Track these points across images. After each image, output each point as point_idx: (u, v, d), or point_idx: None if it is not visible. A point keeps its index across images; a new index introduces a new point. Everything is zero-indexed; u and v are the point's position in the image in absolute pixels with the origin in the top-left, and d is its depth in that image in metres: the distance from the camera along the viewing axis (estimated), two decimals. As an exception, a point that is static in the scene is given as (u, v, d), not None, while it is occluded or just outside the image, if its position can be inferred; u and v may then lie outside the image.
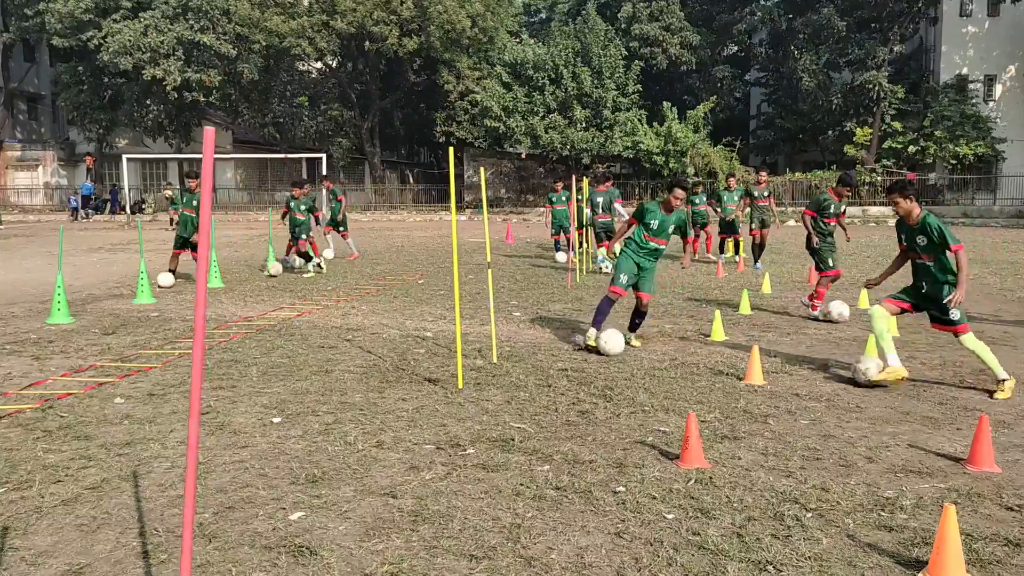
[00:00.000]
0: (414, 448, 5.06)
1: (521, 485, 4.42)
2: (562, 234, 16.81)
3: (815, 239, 9.89)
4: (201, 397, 6.04)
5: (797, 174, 39.05)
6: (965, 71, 39.02)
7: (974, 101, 38.34)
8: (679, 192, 7.81)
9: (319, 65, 45.93)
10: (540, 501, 4.20)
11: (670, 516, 4.01)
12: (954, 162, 37.00)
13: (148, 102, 38.80)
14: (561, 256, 16.73)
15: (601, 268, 14.93)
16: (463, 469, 4.68)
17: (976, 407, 5.89)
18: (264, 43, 37.28)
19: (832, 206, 9.91)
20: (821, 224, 9.93)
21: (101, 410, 5.88)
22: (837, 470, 4.65)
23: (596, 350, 7.76)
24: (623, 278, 7.95)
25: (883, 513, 4.02)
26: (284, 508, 4.13)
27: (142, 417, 5.71)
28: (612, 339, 7.70)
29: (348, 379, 6.85)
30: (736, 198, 16.10)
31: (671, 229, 8.01)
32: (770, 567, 3.46)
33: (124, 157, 33.60)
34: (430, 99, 46.96)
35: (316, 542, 3.72)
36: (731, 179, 17.18)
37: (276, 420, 5.64)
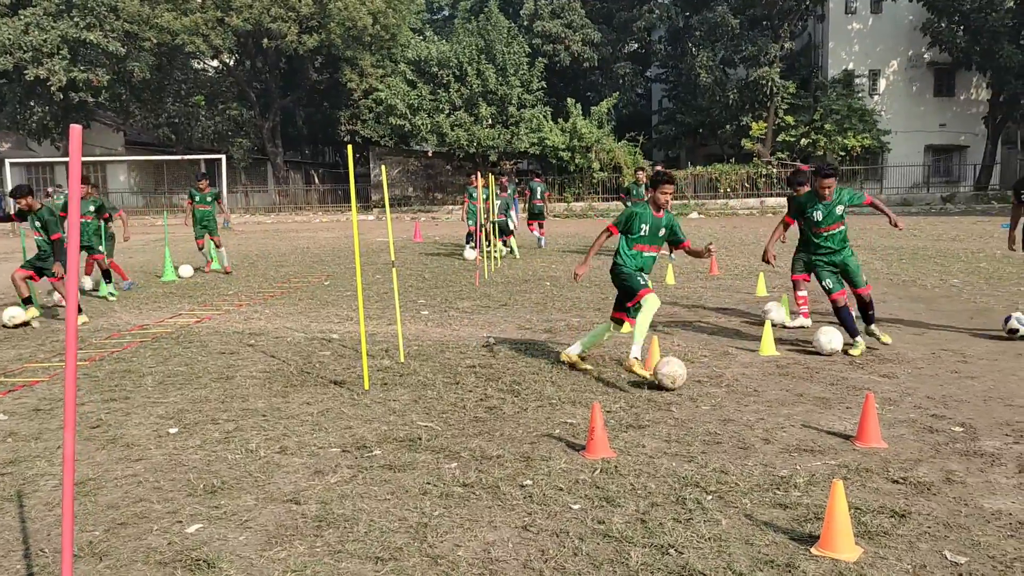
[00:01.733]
0: (319, 452, 4.96)
1: (428, 484, 4.39)
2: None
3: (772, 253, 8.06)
4: (91, 411, 5.78)
5: (699, 168, 40.13)
6: (851, 66, 40.88)
7: (860, 95, 40.23)
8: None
9: (215, 63, 44.52)
10: (447, 499, 4.18)
11: (576, 507, 4.05)
12: (843, 154, 38.72)
13: (32, 103, 36.76)
14: (470, 253, 16.70)
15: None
16: (369, 471, 4.61)
17: (865, 386, 6.17)
18: (155, 40, 35.86)
19: (820, 211, 7.51)
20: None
21: (-19, 429, 5.53)
22: (736, 452, 4.79)
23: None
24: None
25: (778, 492, 4.16)
26: (180, 521, 3.97)
27: (27, 434, 5.41)
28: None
29: (250, 385, 6.66)
30: (644, 191, 16.43)
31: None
32: (672, 550, 3.54)
33: (7, 161, 31.75)
34: (333, 97, 46.16)
35: (214, 554, 3.59)
36: (640, 173, 17.54)
37: (173, 431, 5.43)
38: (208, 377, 6.95)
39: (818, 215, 7.49)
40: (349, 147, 6.53)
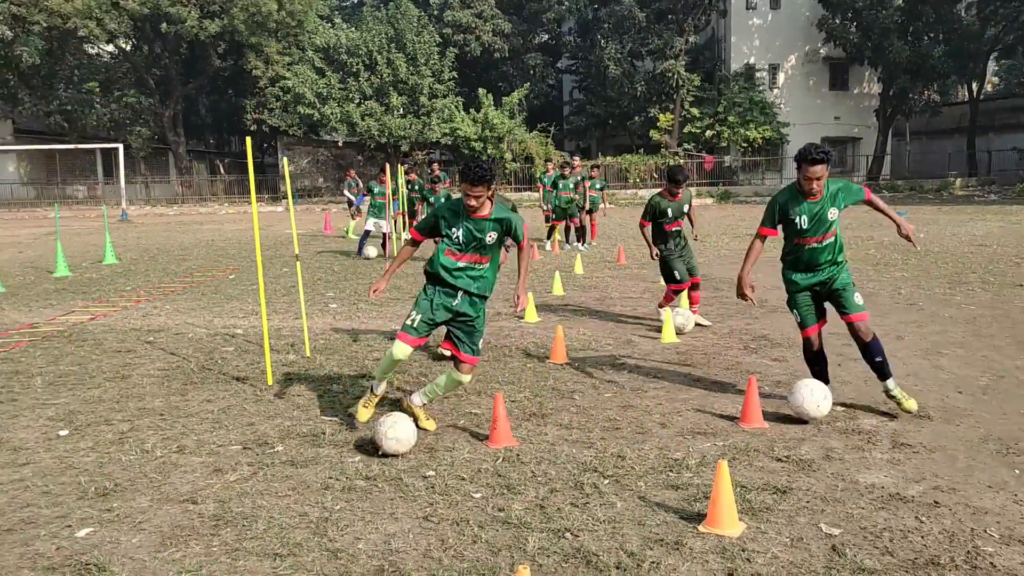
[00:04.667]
0: (219, 450, 4.88)
1: (331, 478, 4.38)
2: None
3: (654, 251, 8.45)
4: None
5: (608, 158, 40.79)
6: (752, 60, 42.21)
7: (761, 88, 41.60)
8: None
9: (111, 48, 42.62)
10: (349, 493, 4.19)
11: (477, 495, 4.12)
12: (745, 145, 40.01)
13: (-92, 88, 34.49)
14: (372, 251, 15.73)
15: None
16: (271, 467, 4.57)
17: (755, 370, 6.44)
18: (45, 24, 34.09)
19: (669, 209, 8.27)
20: (663, 230, 8.35)
21: None
22: (634, 437, 4.95)
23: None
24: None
25: (671, 473, 4.33)
26: (70, 525, 3.86)
27: (-98, 441, 5.13)
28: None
29: (147, 384, 6.48)
30: (572, 185, 16.46)
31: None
32: (568, 534, 3.65)
33: None
34: (238, 85, 44.90)
35: (105, 558, 3.51)
36: (549, 164, 17.69)
37: (63, 433, 5.24)
38: (102, 376, 6.72)
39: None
40: (248, 139, 6.40)
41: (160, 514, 3.97)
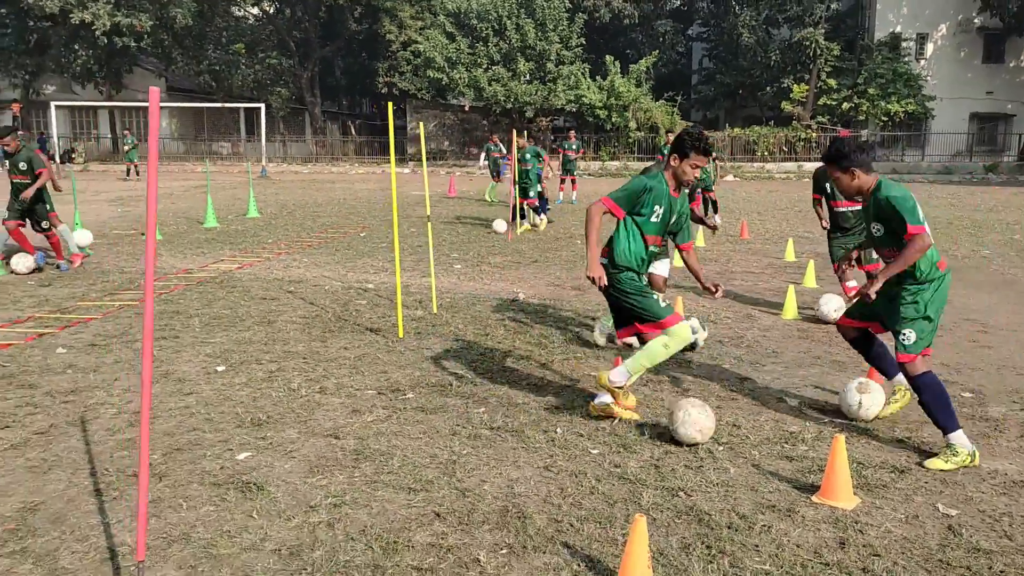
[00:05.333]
0: (356, 393, 5.29)
1: (457, 426, 4.70)
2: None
3: (824, 222, 7.68)
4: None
5: (736, 129, 39.69)
6: (899, 29, 39.87)
7: (906, 59, 39.30)
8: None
9: (255, 11, 44.62)
10: (475, 440, 4.49)
11: (595, 451, 4.34)
12: (885, 119, 38.02)
13: (76, 47, 37.26)
14: (500, 225, 14.36)
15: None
16: (403, 412, 4.93)
17: (881, 351, 6.33)
18: (198, -14, 36.07)
19: (828, 184, 7.29)
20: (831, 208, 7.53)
21: (44, 359, 5.95)
22: (750, 408, 5.03)
23: None
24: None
25: (786, 445, 4.41)
26: (231, 449, 4.33)
27: (85, 366, 5.81)
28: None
29: (290, 329, 7.01)
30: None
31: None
32: (681, 493, 3.82)
33: (52, 104, 32.39)
34: (372, 48, 46.13)
35: (262, 479, 3.94)
36: (670, 135, 17.48)
37: (220, 368, 5.80)
38: (251, 320, 7.31)
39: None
40: (389, 104, 6.76)
41: (307, 445, 4.39)
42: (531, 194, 14.78)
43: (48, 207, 9.96)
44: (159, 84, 42.12)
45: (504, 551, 3.29)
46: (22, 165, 9.67)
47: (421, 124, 8.29)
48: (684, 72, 50.15)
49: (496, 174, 21.12)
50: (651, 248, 4.76)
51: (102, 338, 6.60)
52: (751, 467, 4.12)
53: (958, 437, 4.12)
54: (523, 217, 14.79)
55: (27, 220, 9.85)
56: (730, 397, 5.26)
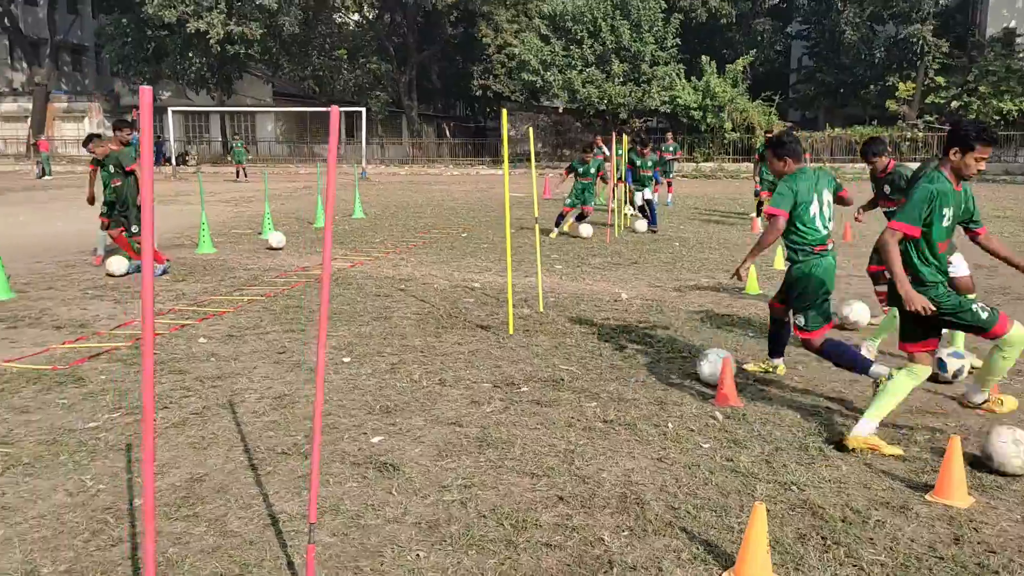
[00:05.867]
0: (473, 386, 5.60)
1: (572, 418, 4.95)
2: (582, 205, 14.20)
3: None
4: (275, 339, 6.65)
5: (837, 129, 38.63)
6: (1013, 24, 38.04)
7: (1021, 55, 37.47)
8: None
9: (356, 18, 45.99)
10: (590, 432, 4.73)
11: (706, 445, 4.51)
12: (997, 118, 36.34)
13: (191, 55, 39.34)
14: (586, 229, 14.09)
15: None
16: (519, 404, 5.21)
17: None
18: (305, -5, 37.56)
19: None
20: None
21: (188, 348, 6.50)
22: (860, 410, 5.09)
23: None
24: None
25: (899, 446, 4.48)
26: (365, 433, 4.70)
27: (226, 355, 6.32)
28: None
29: (406, 324, 7.41)
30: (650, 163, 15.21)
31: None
32: (794, 487, 3.96)
33: (170, 110, 34.29)
34: (467, 52, 46.96)
35: (397, 460, 4.29)
36: (768, 135, 17.18)
37: (346, 360, 6.21)
38: (368, 316, 7.75)
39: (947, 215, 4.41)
40: (503, 112, 7.07)
41: (433, 432, 4.72)
42: (590, 203, 14.12)
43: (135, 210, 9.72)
44: (266, 90, 43.97)
45: (626, 533, 3.52)
46: (112, 168, 9.65)
47: (531, 130, 8.59)
48: (782, 71, 49.08)
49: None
50: (943, 253, 4.47)
51: (237, 330, 7.14)
52: (863, 465, 4.22)
53: (876, 370, 4.84)
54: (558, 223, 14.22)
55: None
56: (840, 398, 5.34)
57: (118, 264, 9.76)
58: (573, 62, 38.34)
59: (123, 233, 9.81)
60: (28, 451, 4.37)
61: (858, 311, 7.45)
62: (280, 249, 12.18)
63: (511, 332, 7.07)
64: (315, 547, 3.04)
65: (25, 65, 47.13)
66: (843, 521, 3.61)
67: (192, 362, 6.11)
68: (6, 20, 44.70)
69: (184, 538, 3.45)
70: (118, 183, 9.72)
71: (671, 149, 20.89)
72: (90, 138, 10.01)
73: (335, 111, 2.74)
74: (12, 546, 3.37)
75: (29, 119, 44.62)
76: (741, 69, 37.69)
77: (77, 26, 48.99)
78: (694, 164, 37.94)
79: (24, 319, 7.51)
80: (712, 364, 5.48)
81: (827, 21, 41.20)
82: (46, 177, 32.22)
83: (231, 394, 5.38)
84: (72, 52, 50.37)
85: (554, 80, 38.20)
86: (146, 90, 2.15)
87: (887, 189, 7.11)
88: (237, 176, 31.58)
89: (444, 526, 3.57)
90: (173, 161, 36.09)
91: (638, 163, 15.10)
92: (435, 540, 3.45)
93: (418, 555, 3.33)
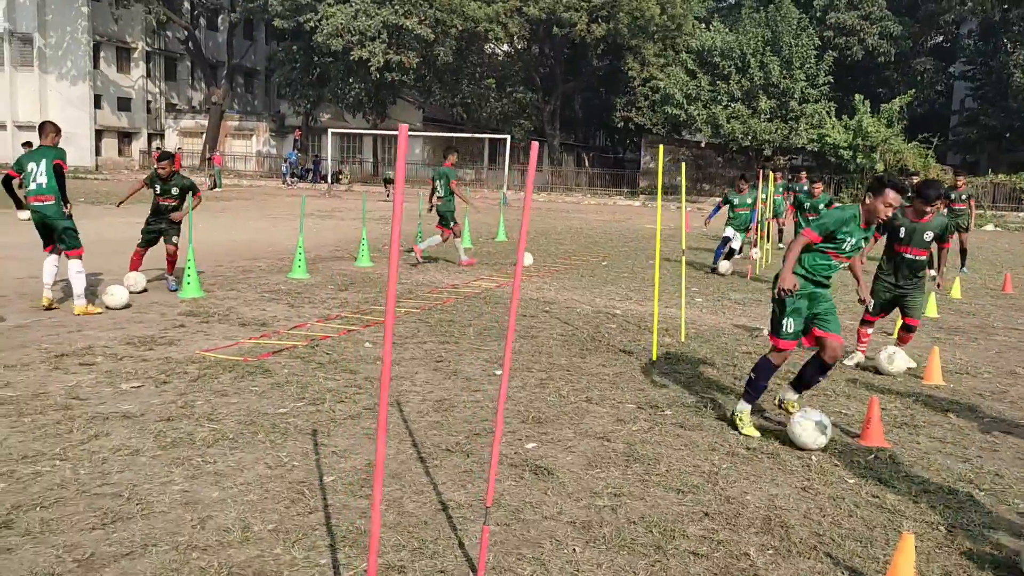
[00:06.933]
0: (619, 405, 5.88)
1: (715, 443, 5.14)
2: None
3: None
4: (432, 349, 7.16)
5: (1001, 176, 36.51)
6: None
7: None
8: (891, 195, 5.18)
9: (506, 48, 47.49)
10: (733, 457, 4.91)
11: (851, 481, 4.61)
12: None
13: (351, 80, 41.78)
14: (724, 265, 13.70)
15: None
16: (663, 426, 5.45)
17: None
18: (460, 28, 39.18)
19: (903, 228, 7.12)
20: (893, 251, 7.34)
21: (355, 351, 7.11)
22: (1015, 462, 5.04)
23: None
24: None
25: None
26: (519, 439, 5.07)
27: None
28: None
29: (552, 344, 7.78)
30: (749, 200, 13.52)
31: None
32: (941, 527, 4.02)
33: (329, 131, 36.53)
34: (611, 84, 47.49)
35: (550, 465, 4.63)
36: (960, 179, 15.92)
37: (498, 372, 6.63)
38: (516, 334, 8.17)
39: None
40: (660, 147, 7.36)
41: (582, 444, 5.03)
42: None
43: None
44: (417, 115, 46.00)
45: (771, 552, 3.70)
46: (175, 191, 9.61)
47: (684, 165, 8.83)
48: (942, 113, 46.92)
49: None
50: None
51: (397, 338, 7.72)
52: (1015, 514, 4.21)
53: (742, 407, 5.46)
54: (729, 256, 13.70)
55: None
56: (992, 448, 5.27)
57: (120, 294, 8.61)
58: (719, 97, 38.13)
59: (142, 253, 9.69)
60: (231, 428, 5.00)
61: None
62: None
63: (655, 358, 7.30)
64: (489, 528, 3.41)
65: (204, 85, 51.39)
66: (991, 563, 3.65)
67: (360, 363, 6.69)
68: (190, 44, 48.98)
69: (368, 512, 3.91)
70: (172, 203, 9.67)
71: (803, 189, 19.64)
72: (166, 156, 9.80)
73: (535, 146, 3.13)
74: (227, 506, 3.93)
75: (205, 135, 48.53)
76: (897, 109, 36.37)
77: (252, 51, 53.08)
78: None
79: (214, 315, 8.40)
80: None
81: (994, 63, 39.19)
82: (217, 189, 34.95)
83: (397, 395, 5.89)
84: (245, 75, 54.54)
85: (698, 114, 38.11)
86: (403, 127, 2.59)
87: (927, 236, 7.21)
88: (388, 195, 33.31)
89: (596, 527, 3.87)
90: (329, 179, 38.33)
91: (736, 201, 13.40)
92: (589, 538, 3.76)
93: (574, 549, 3.65)
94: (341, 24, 38.91)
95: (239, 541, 3.58)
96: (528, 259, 13.49)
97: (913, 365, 7.31)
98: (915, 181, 7.11)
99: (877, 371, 7.23)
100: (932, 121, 44.05)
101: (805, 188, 19.24)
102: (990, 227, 31.73)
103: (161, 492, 4.05)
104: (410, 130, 32.45)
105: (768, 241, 16.02)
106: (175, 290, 9.66)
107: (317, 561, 3.45)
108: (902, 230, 7.10)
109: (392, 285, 2.72)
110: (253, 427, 5.03)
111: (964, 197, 15.31)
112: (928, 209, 6.95)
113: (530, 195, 3.22)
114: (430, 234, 13.91)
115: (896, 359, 7.14)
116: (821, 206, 13.42)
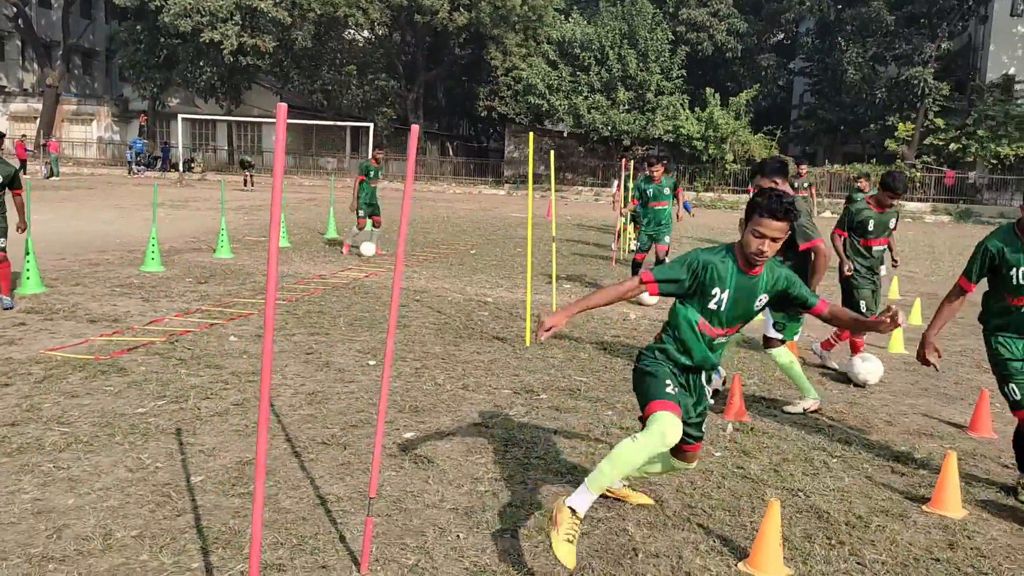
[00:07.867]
0: (495, 392, 5.91)
1: (590, 424, 5.26)
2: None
3: (847, 264, 7.15)
4: (302, 341, 6.93)
5: (836, 166, 39.24)
6: (1012, 71, 38.81)
7: (1020, 102, 38.19)
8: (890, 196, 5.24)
9: (366, 34, 46.56)
10: (608, 436, 5.03)
11: (717, 454, 4.82)
12: (995, 162, 37.00)
13: (202, 64, 39.76)
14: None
15: None
16: (539, 410, 5.52)
17: (989, 386, 6.60)
18: (319, 12, 38.05)
19: (872, 222, 7.04)
20: (858, 247, 7.14)
21: (220, 345, 6.79)
22: (861, 428, 5.43)
23: None
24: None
25: (896, 463, 4.81)
26: (397, 429, 5.00)
27: (256, 353, 6.61)
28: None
29: (425, 333, 7.72)
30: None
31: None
32: (800, 494, 4.28)
33: (179, 117, 34.66)
34: (474, 73, 47.52)
35: (430, 454, 4.58)
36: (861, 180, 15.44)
37: (371, 362, 6.52)
38: (387, 323, 8.03)
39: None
40: (531, 135, 7.41)
41: (461, 431, 5.02)
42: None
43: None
44: (274, 101, 44.40)
45: (647, 526, 3.82)
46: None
47: (552, 153, 8.96)
48: (784, 106, 49.84)
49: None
50: None
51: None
52: (864, 478, 4.54)
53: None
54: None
55: None
56: (840, 418, 5.66)
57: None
58: (579, 88, 38.93)
59: None
60: (85, 431, 4.65)
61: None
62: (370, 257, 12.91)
63: (527, 344, 7.38)
64: (372, 519, 3.34)
65: (36, 66, 47.53)
66: (846, 524, 3.92)
67: (226, 358, 6.40)
68: (20, 21, 45.14)
69: (242, 512, 3.74)
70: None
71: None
72: None
73: (415, 129, 3.06)
74: (85, 513, 3.66)
75: (39, 120, 44.94)
76: (744, 102, 38.33)
77: (90, 31, 49.47)
78: (695, 193, 38.44)
79: (59, 312, 7.80)
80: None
81: (830, 60, 41.96)
82: (54, 178, 32.50)
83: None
84: (83, 56, 50.80)
85: (559, 104, 38.76)
86: (282, 107, 2.46)
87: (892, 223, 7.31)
88: (245, 184, 32.01)
89: (479, 513, 3.87)
90: (180, 167, 36.42)
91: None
92: (472, 524, 3.75)
93: (458, 536, 3.63)
94: (190, 4, 36.94)
95: (100, 549, 3.34)
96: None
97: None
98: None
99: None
100: (775, 114, 46.69)
101: (803, 184, 17.11)
102: (828, 214, 34.07)
103: (8, 502, 3.73)
104: (267, 117, 30.91)
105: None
106: (10, 307, 7.83)
107: (188, 565, 3.27)
108: (871, 223, 7.01)
109: (272, 272, 2.60)
110: (109, 429, 4.71)
111: (807, 185, 16.32)
112: (891, 200, 6.91)
113: (411, 179, 3.15)
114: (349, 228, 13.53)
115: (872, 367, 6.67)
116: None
